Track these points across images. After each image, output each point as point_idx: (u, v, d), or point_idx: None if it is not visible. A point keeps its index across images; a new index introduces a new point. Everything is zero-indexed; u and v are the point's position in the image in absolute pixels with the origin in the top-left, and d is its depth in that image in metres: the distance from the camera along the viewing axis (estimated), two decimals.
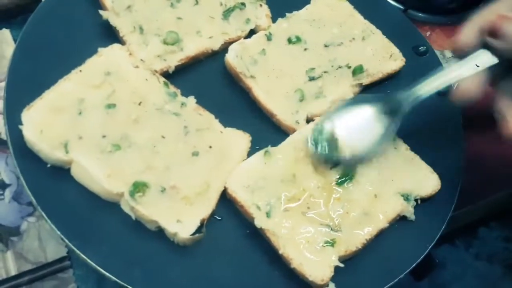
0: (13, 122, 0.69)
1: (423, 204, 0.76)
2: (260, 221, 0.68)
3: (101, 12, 0.81)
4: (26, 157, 0.68)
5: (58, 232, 0.63)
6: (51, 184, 0.67)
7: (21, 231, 0.96)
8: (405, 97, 0.70)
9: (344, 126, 0.71)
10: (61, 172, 0.69)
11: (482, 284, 1.05)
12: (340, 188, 0.72)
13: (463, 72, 0.64)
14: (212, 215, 0.70)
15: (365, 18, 0.93)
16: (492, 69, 0.63)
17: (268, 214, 0.69)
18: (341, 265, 0.67)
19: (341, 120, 0.72)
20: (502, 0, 0.64)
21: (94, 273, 0.94)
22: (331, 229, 0.69)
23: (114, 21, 0.81)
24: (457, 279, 1.05)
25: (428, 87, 0.69)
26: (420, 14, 1.18)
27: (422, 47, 0.93)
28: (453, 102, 0.65)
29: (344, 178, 0.73)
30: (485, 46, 0.63)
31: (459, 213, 1.00)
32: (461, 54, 0.65)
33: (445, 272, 1.05)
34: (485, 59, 0.63)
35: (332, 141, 0.71)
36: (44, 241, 0.96)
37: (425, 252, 0.71)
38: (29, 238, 0.96)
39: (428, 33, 1.15)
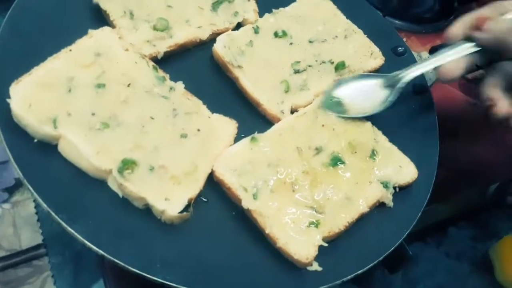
0: (0, 96, 0.69)
1: (401, 192, 0.79)
2: (247, 202, 0.70)
3: None
4: (13, 131, 0.68)
5: (45, 205, 0.63)
6: (38, 159, 0.67)
7: None
8: (402, 75, 0.84)
9: (350, 94, 0.85)
10: (49, 147, 0.69)
11: (452, 280, 1.10)
12: (324, 173, 0.75)
13: (449, 56, 0.80)
14: (199, 196, 0.71)
15: (347, 18, 0.97)
16: (474, 58, 0.79)
17: (255, 196, 0.71)
18: (325, 244, 0.69)
19: (348, 89, 0.85)
20: (484, 7, 0.80)
21: (70, 262, 0.94)
22: (316, 211, 0.71)
23: (104, 5, 0.82)
24: (428, 275, 1.09)
25: (421, 68, 0.83)
26: (397, 22, 1.24)
27: (400, 48, 0.98)
28: (440, 79, 0.81)
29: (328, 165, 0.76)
30: (469, 39, 0.79)
31: (430, 211, 1.04)
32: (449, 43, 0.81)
33: (417, 268, 1.09)
34: (468, 47, 0.79)
35: (339, 104, 0.84)
36: (19, 228, 0.95)
37: (403, 237, 0.75)
38: (4, 224, 0.95)
39: (404, 40, 1.21)
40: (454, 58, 0.79)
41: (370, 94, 0.84)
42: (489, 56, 0.79)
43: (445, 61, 0.79)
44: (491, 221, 1.17)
